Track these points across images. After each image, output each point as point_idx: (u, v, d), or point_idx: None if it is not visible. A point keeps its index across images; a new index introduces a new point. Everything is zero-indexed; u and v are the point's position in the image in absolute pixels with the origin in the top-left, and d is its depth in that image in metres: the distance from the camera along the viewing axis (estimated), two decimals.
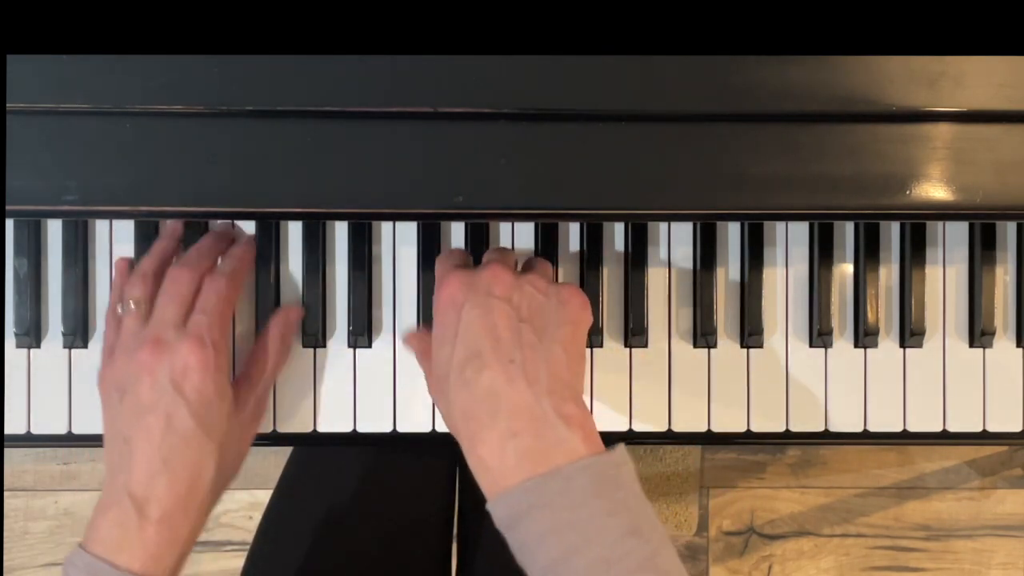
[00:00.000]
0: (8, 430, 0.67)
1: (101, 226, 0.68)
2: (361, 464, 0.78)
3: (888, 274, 0.69)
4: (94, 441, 0.68)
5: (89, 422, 0.67)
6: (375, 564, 0.76)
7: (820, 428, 0.68)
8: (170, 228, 0.65)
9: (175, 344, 0.58)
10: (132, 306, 0.60)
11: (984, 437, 0.69)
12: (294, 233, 0.68)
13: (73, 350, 0.67)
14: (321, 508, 0.77)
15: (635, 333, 0.67)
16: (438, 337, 0.58)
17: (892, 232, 0.69)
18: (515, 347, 0.54)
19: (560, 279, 0.68)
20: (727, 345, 0.68)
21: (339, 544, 0.76)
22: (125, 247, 0.67)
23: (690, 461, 1.38)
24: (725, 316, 0.68)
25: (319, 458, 0.79)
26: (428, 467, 0.80)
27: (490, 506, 0.53)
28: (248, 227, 0.68)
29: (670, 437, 0.69)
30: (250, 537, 0.79)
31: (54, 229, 0.68)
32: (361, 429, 0.68)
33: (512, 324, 0.55)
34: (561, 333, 0.56)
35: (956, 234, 0.69)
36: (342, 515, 0.77)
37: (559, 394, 0.54)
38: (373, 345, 0.68)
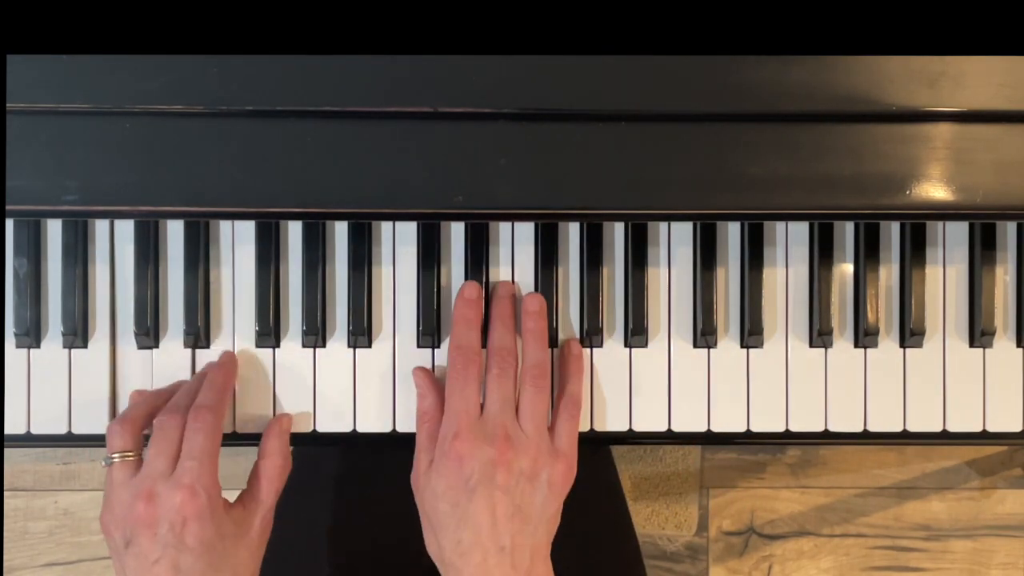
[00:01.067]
0: (8, 430, 0.67)
1: (101, 226, 0.68)
2: (360, 464, 0.78)
3: (888, 274, 0.69)
4: (94, 441, 0.68)
5: (89, 422, 0.67)
6: (374, 564, 0.76)
7: (820, 428, 0.68)
8: (148, 396, 0.65)
9: (168, 496, 0.58)
10: (116, 458, 0.61)
11: (984, 437, 0.69)
12: (294, 233, 0.68)
13: (73, 350, 0.67)
14: (320, 508, 0.77)
15: (635, 333, 0.67)
16: (442, 488, 0.62)
17: (892, 232, 0.69)
18: (508, 535, 0.60)
19: (560, 279, 0.68)
20: (727, 345, 0.68)
21: (338, 544, 0.76)
22: (125, 247, 0.67)
23: (690, 461, 1.38)
24: (725, 316, 0.68)
25: (317, 457, 0.79)
26: None
27: None
28: (248, 227, 0.68)
29: (670, 437, 0.69)
30: None
31: (54, 229, 0.68)
32: (361, 429, 0.68)
33: (508, 513, 0.61)
34: (547, 514, 0.62)
35: (956, 234, 0.69)
36: (341, 515, 0.77)
37: (536, 574, 0.61)
38: (373, 345, 0.68)
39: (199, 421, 0.61)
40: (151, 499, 0.58)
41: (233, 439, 0.68)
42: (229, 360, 0.67)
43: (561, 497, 0.64)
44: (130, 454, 0.61)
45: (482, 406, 0.64)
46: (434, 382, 0.66)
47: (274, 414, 0.68)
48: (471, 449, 0.61)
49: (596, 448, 0.81)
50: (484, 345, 0.66)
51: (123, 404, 0.67)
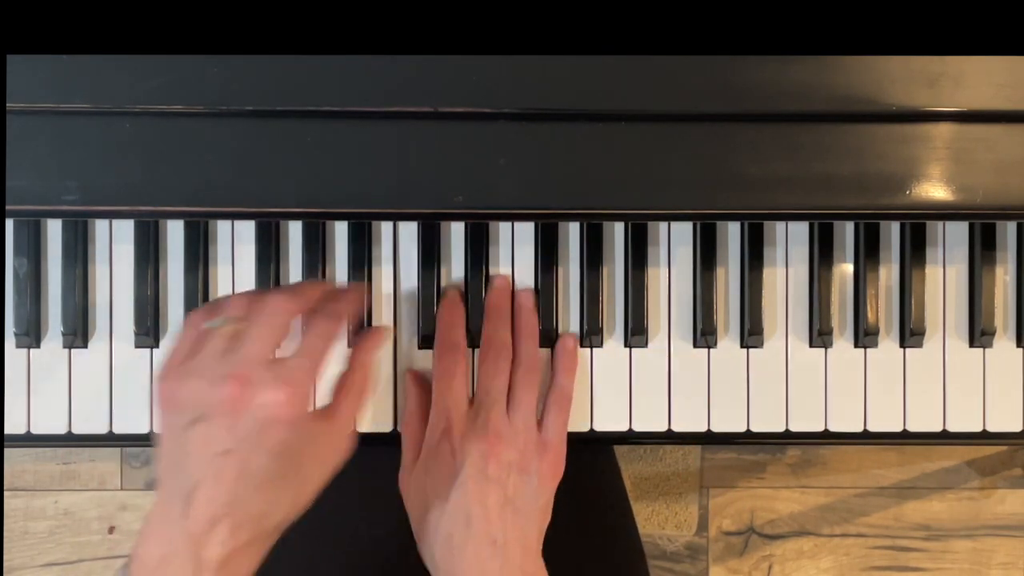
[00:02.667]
0: (8, 430, 0.67)
1: (101, 226, 0.68)
2: (360, 464, 0.78)
3: (888, 274, 0.69)
4: (94, 441, 0.68)
5: (89, 422, 0.67)
6: (374, 564, 0.76)
7: (820, 428, 0.68)
8: (310, 289, 0.60)
9: (266, 387, 0.52)
10: (226, 326, 0.54)
11: (984, 437, 0.69)
12: (294, 233, 0.68)
13: (73, 350, 0.67)
14: (319, 508, 0.77)
15: (635, 333, 0.67)
16: (431, 484, 0.61)
17: (892, 232, 0.69)
18: (500, 528, 0.59)
19: (560, 279, 0.68)
20: (727, 345, 0.68)
21: (338, 544, 0.76)
22: (125, 247, 0.67)
23: (690, 461, 1.38)
24: (725, 316, 0.68)
25: None
26: None
27: None
28: (248, 227, 0.68)
29: (670, 437, 0.69)
30: None
31: (54, 229, 0.68)
32: (361, 429, 0.68)
33: (500, 504, 0.60)
34: (538, 505, 0.62)
35: (956, 234, 0.69)
36: (341, 515, 0.77)
37: (527, 568, 0.60)
38: None
39: (325, 324, 0.56)
40: (245, 384, 0.52)
41: None
42: (360, 288, 0.64)
43: (551, 490, 0.63)
44: (233, 324, 0.54)
45: (471, 400, 0.64)
46: (420, 382, 0.66)
47: None
48: (461, 442, 0.61)
49: (599, 450, 0.81)
50: (470, 344, 0.67)
51: (123, 404, 0.67)
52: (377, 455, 0.78)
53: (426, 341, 0.68)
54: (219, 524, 0.52)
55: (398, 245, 0.68)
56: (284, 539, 0.77)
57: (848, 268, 0.69)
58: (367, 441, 0.68)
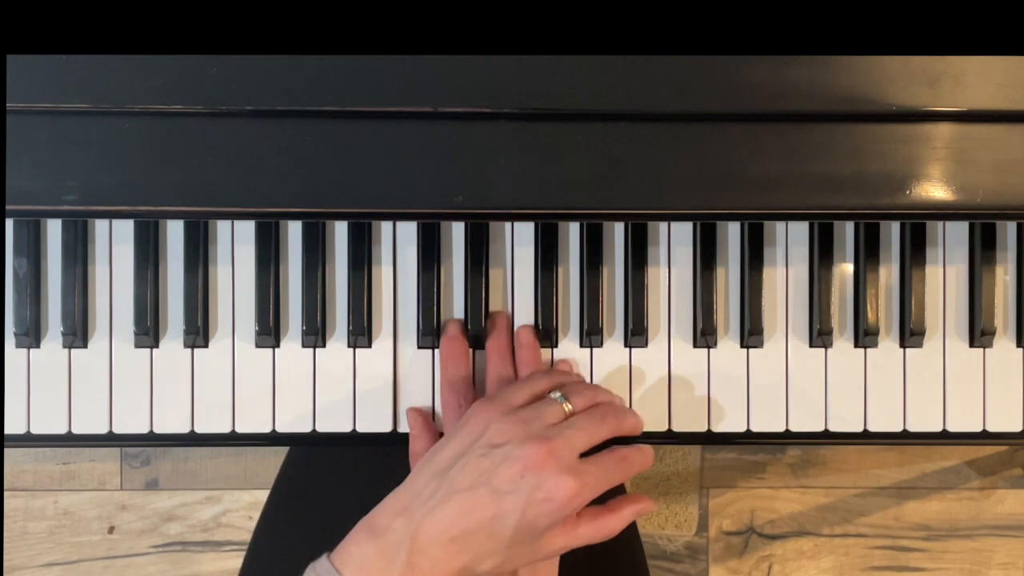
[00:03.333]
0: (8, 430, 0.67)
1: (101, 226, 0.68)
2: (359, 464, 0.78)
3: (888, 274, 0.69)
4: (94, 441, 0.68)
5: (89, 422, 0.67)
6: None
7: (820, 428, 0.68)
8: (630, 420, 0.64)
9: (562, 473, 0.56)
10: (565, 406, 0.60)
11: (984, 437, 0.69)
12: (294, 233, 0.68)
13: (73, 350, 0.67)
14: (319, 508, 0.77)
15: (635, 333, 0.67)
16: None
17: (892, 232, 0.69)
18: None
19: (560, 279, 0.68)
20: (727, 345, 0.68)
21: (337, 544, 0.76)
22: (125, 247, 0.67)
23: (690, 461, 1.38)
24: (725, 316, 0.68)
25: (316, 457, 0.79)
26: None
27: None
28: (248, 227, 0.68)
29: (670, 437, 0.69)
30: (250, 537, 0.79)
31: (54, 229, 0.68)
32: (360, 429, 0.68)
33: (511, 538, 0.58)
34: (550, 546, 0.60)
35: (956, 234, 0.69)
36: (340, 515, 0.77)
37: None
38: (373, 345, 0.68)
39: (624, 463, 0.60)
40: (551, 455, 0.56)
41: (233, 439, 0.68)
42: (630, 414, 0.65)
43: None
44: (570, 409, 0.60)
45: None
46: (427, 422, 0.67)
47: (274, 414, 0.68)
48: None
49: (598, 449, 0.81)
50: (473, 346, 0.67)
51: (123, 404, 0.67)
52: (375, 455, 0.78)
53: (424, 341, 0.68)
54: (444, 545, 0.56)
55: (398, 245, 0.68)
56: (282, 539, 0.77)
57: (848, 268, 0.69)
58: (368, 441, 0.69)
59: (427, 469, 0.59)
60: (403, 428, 0.68)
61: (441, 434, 0.66)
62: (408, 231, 0.68)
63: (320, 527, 0.76)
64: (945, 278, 0.69)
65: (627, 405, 0.68)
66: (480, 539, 0.56)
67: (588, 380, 0.68)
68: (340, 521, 0.76)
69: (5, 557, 1.34)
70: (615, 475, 0.59)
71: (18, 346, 0.67)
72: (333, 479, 0.78)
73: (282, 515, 0.79)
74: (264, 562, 0.77)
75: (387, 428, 0.68)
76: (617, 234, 0.68)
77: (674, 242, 0.68)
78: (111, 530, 1.35)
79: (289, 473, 0.81)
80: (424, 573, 0.56)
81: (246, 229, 0.68)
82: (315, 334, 0.67)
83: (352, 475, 0.78)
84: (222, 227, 0.68)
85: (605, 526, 0.61)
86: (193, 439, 0.68)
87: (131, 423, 0.67)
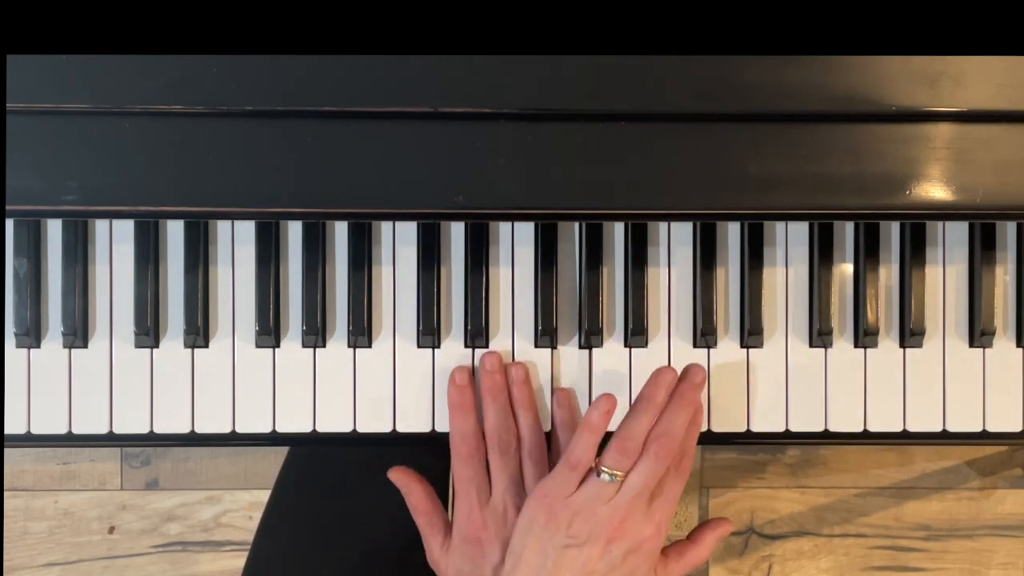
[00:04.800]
0: (8, 430, 0.67)
1: (101, 226, 0.68)
2: (359, 463, 0.78)
3: (888, 274, 0.69)
4: (94, 441, 0.68)
5: (89, 422, 0.67)
6: (373, 564, 0.76)
7: (820, 428, 0.68)
8: (658, 399, 0.64)
9: (640, 525, 0.61)
10: (617, 478, 0.61)
11: (984, 437, 0.69)
12: (294, 233, 0.68)
13: (73, 350, 0.67)
14: (319, 508, 0.77)
15: (635, 333, 0.67)
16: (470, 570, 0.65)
17: (892, 232, 0.69)
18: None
19: (560, 279, 0.68)
20: (727, 345, 0.68)
21: (337, 544, 0.76)
22: (125, 247, 0.67)
23: None
24: (725, 316, 0.68)
25: (317, 457, 0.79)
26: (426, 467, 0.80)
27: None
28: (248, 227, 0.68)
29: None
30: (250, 537, 0.80)
31: (54, 229, 0.68)
32: (360, 429, 0.68)
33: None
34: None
35: (956, 234, 0.69)
36: (340, 515, 0.77)
37: None
38: (373, 345, 0.68)
39: (680, 473, 0.63)
40: (625, 521, 0.61)
41: (233, 439, 0.68)
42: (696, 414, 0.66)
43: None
44: (620, 477, 0.61)
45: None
46: (435, 513, 0.68)
47: (274, 414, 0.68)
48: (490, 535, 0.65)
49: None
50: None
51: (123, 404, 0.67)
52: (375, 455, 0.78)
53: (424, 340, 0.68)
54: None
55: (398, 245, 0.68)
56: (284, 539, 0.77)
57: (848, 268, 0.69)
58: (368, 441, 0.68)
59: (523, 570, 0.61)
60: (403, 429, 0.68)
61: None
62: (408, 231, 0.68)
63: (321, 527, 0.76)
64: (945, 278, 0.69)
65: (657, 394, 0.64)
66: None
67: (588, 381, 0.68)
68: (341, 521, 0.77)
69: (5, 557, 1.34)
70: (679, 488, 0.63)
71: (18, 346, 0.67)
72: (334, 479, 0.78)
73: (284, 515, 0.79)
74: (266, 562, 0.77)
75: (387, 428, 0.68)
76: (617, 234, 0.68)
77: (674, 242, 0.68)
78: (111, 530, 1.35)
79: (290, 473, 0.81)
80: None
81: (246, 229, 0.68)
82: (315, 334, 0.67)
83: (353, 475, 0.78)
84: (222, 227, 0.68)
85: (693, 559, 0.66)
86: (193, 439, 0.68)
87: (131, 423, 0.67)
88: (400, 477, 0.69)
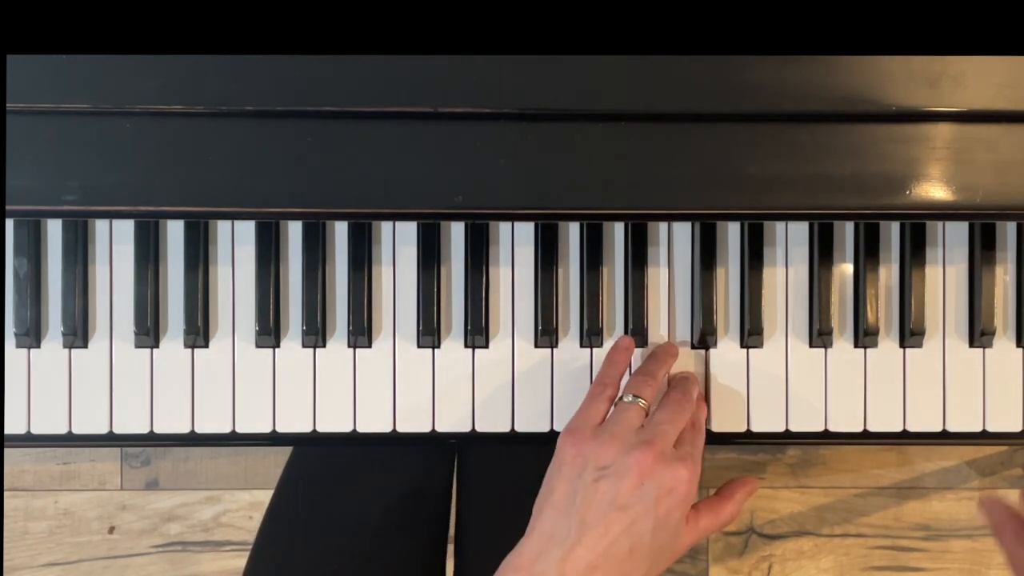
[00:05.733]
0: (8, 430, 0.67)
1: (101, 226, 0.68)
2: (360, 464, 0.78)
3: (888, 274, 0.69)
4: (94, 441, 0.68)
5: (89, 422, 0.67)
6: (374, 564, 0.76)
7: (820, 428, 0.68)
8: (673, 350, 0.67)
9: (673, 464, 0.59)
10: (641, 403, 0.62)
11: (984, 437, 0.69)
12: (294, 233, 0.68)
13: (73, 350, 0.67)
14: (321, 508, 0.77)
15: (635, 333, 0.67)
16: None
17: (892, 232, 0.69)
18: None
19: (560, 279, 0.68)
20: (727, 345, 0.68)
21: (339, 544, 0.76)
22: (125, 247, 0.67)
23: None
24: (725, 316, 0.68)
25: (319, 458, 0.79)
26: (427, 467, 0.80)
27: None
28: (248, 227, 0.68)
29: None
30: (250, 537, 0.80)
31: (54, 229, 0.68)
32: (361, 429, 0.68)
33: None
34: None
35: (956, 234, 0.69)
36: (342, 515, 0.77)
37: None
38: (373, 345, 0.68)
39: (697, 429, 0.63)
40: (660, 456, 0.58)
41: (233, 439, 0.68)
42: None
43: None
44: (645, 404, 0.61)
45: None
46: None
47: (274, 414, 0.68)
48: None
49: None
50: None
51: (123, 404, 0.67)
52: (376, 455, 0.78)
53: (425, 340, 0.68)
54: (593, 572, 0.57)
55: (398, 245, 0.68)
56: (286, 539, 0.77)
57: (848, 268, 0.69)
58: (368, 441, 0.68)
59: (548, 511, 0.59)
60: (403, 429, 0.68)
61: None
62: (408, 231, 0.68)
63: (324, 527, 0.76)
64: (945, 278, 0.69)
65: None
66: (623, 558, 0.57)
67: (588, 381, 0.68)
68: (343, 521, 0.77)
69: (5, 557, 1.34)
70: (701, 444, 0.63)
71: (18, 346, 0.67)
72: (337, 479, 0.78)
73: (286, 515, 0.79)
74: (268, 562, 0.77)
75: (387, 428, 0.68)
76: (617, 234, 0.68)
77: (674, 242, 0.68)
78: (111, 530, 1.35)
79: (293, 473, 0.81)
80: None
81: (246, 229, 0.68)
82: (315, 334, 0.67)
83: (354, 475, 0.78)
84: (222, 227, 0.68)
85: (724, 513, 0.64)
86: (193, 439, 0.68)
87: (131, 423, 0.67)
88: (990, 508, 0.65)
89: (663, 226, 0.68)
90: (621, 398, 0.63)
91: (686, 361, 0.68)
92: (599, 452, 0.59)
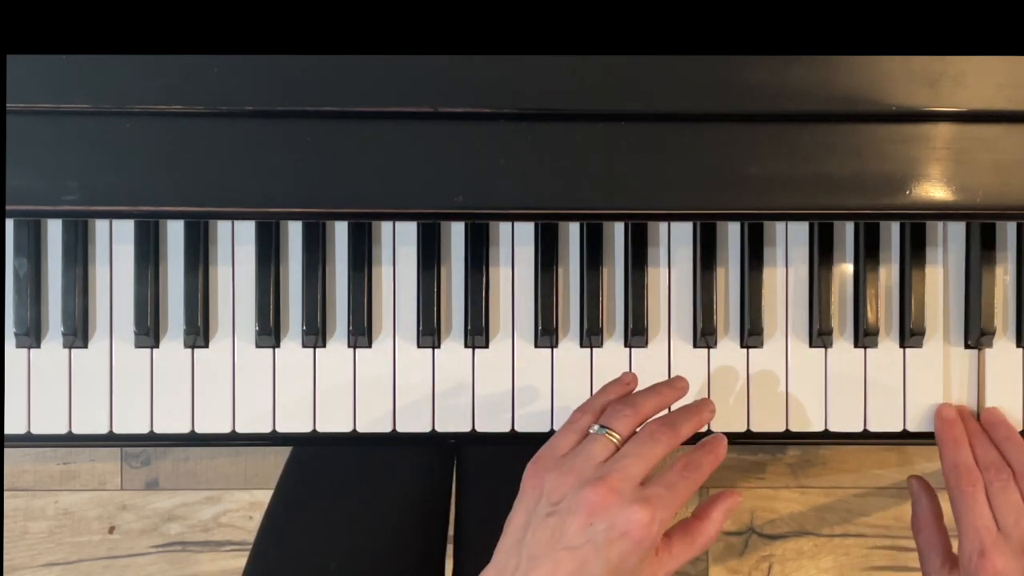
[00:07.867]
0: (8, 430, 0.67)
1: (101, 226, 0.68)
2: (360, 464, 0.78)
3: (888, 274, 0.69)
4: (94, 441, 0.68)
5: (89, 422, 0.67)
6: (374, 564, 0.76)
7: (820, 428, 0.68)
8: (679, 385, 0.63)
9: (630, 505, 0.54)
10: (612, 436, 0.57)
11: None
12: (294, 233, 0.68)
13: (73, 350, 0.67)
14: (321, 508, 0.77)
15: (635, 333, 0.67)
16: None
17: (892, 232, 0.69)
18: None
19: (560, 279, 0.68)
20: (727, 345, 0.68)
21: (339, 544, 0.76)
22: (125, 247, 0.67)
23: None
24: (725, 316, 0.68)
25: (319, 458, 0.79)
26: (427, 468, 0.80)
27: None
28: (248, 227, 0.68)
29: None
30: (250, 537, 0.80)
31: (54, 229, 0.68)
32: (361, 429, 0.68)
33: None
34: None
35: (956, 234, 0.69)
36: (342, 515, 0.77)
37: None
38: (373, 345, 0.68)
39: (694, 472, 0.57)
40: (611, 492, 0.54)
41: (233, 439, 0.68)
42: (718, 441, 0.61)
43: None
44: (617, 438, 0.57)
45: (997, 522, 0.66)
46: (930, 498, 0.68)
47: (274, 414, 0.68)
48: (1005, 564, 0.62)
49: None
50: None
51: (123, 404, 0.67)
52: (376, 455, 0.78)
53: (425, 341, 0.68)
54: None
55: (398, 245, 0.68)
56: (286, 540, 0.77)
57: (848, 268, 0.69)
58: (368, 441, 0.68)
59: (504, 541, 0.56)
60: (403, 429, 0.68)
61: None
62: (408, 231, 0.68)
63: (324, 527, 0.76)
64: (945, 278, 0.69)
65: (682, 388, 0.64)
66: None
67: (588, 382, 0.68)
68: (343, 521, 0.77)
69: (5, 557, 1.34)
70: (686, 486, 0.56)
71: (18, 346, 0.67)
72: (336, 479, 0.78)
73: (286, 515, 0.79)
74: (268, 562, 0.77)
75: (387, 428, 0.68)
76: (617, 234, 0.68)
77: (674, 242, 0.68)
78: (111, 530, 1.35)
79: (293, 473, 0.81)
80: None
81: (246, 229, 0.68)
82: (315, 334, 0.67)
83: (354, 475, 0.78)
84: (222, 227, 0.68)
85: (700, 537, 0.58)
86: (193, 439, 0.68)
87: (131, 423, 0.67)
88: (915, 485, 0.69)
89: (663, 226, 0.68)
90: (590, 429, 0.58)
91: (686, 361, 0.68)
92: (555, 485, 0.56)
